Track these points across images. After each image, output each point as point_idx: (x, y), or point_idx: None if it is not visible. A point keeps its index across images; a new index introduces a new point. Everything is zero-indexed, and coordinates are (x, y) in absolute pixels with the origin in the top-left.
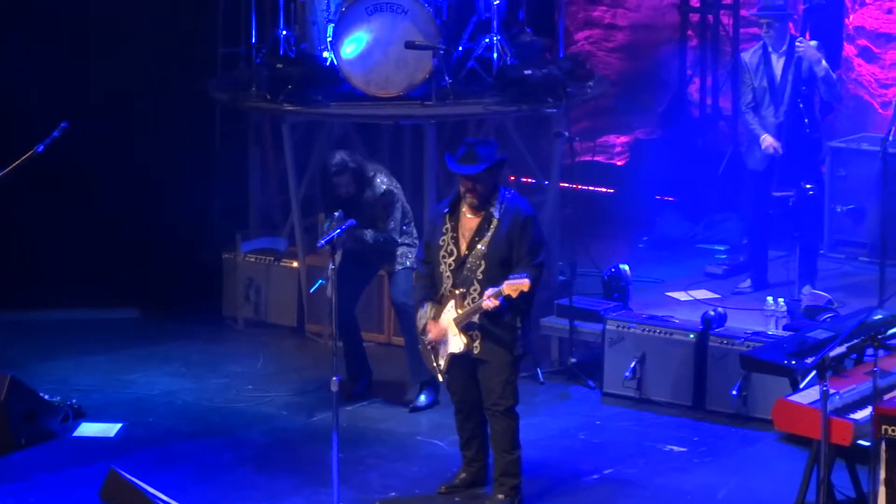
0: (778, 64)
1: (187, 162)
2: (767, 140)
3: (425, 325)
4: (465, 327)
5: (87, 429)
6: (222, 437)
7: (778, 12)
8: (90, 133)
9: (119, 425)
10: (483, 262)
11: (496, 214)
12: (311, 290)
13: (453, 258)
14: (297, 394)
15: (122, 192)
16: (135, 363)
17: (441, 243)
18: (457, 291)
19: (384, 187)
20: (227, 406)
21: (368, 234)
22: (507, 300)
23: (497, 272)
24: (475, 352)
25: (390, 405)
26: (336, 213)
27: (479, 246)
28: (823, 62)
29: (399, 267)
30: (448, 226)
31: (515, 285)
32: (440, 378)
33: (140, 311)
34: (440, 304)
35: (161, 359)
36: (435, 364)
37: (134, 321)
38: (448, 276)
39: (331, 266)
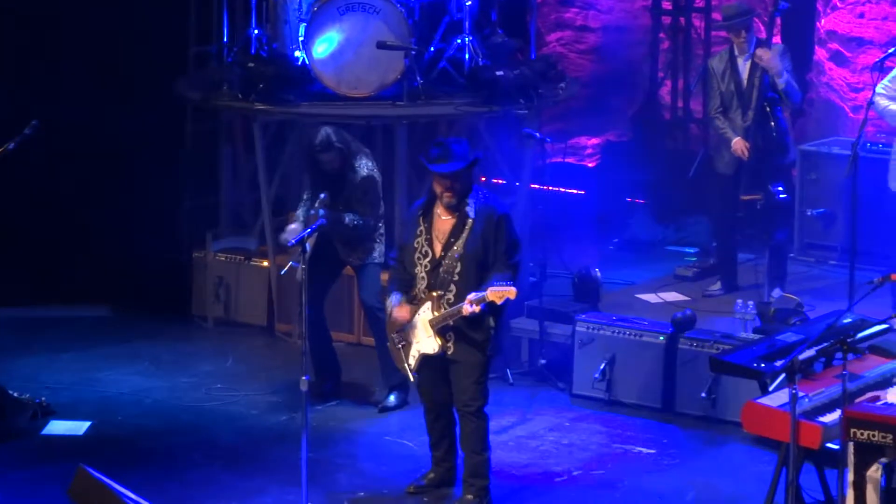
0: (745, 68)
1: (158, 161)
2: (738, 143)
3: (392, 312)
4: (440, 329)
5: (57, 426)
6: (191, 436)
7: (738, 20)
8: (62, 131)
9: (88, 423)
10: (459, 264)
11: (471, 215)
12: (282, 273)
13: (428, 259)
14: (266, 393)
15: (92, 191)
16: (104, 361)
17: (415, 245)
18: (433, 293)
19: (366, 172)
20: (196, 405)
21: (347, 218)
22: (489, 306)
23: (474, 273)
24: (448, 352)
25: (360, 405)
26: (322, 196)
27: (454, 247)
28: (784, 74)
29: (368, 261)
30: (422, 227)
31: (501, 292)
32: (410, 378)
33: (110, 309)
34: (415, 304)
35: (131, 357)
36: (405, 364)
37: (104, 319)
38: (423, 278)
39: (300, 266)
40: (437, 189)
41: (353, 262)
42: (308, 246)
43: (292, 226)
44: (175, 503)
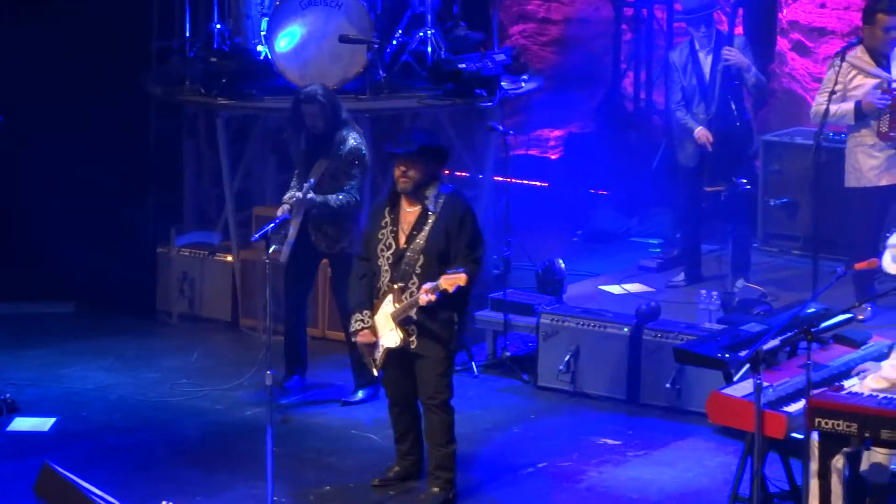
0: (706, 61)
1: (121, 156)
2: (701, 132)
3: (358, 332)
4: (402, 322)
5: (21, 423)
6: (157, 432)
7: (698, 14)
8: (24, 126)
9: (53, 420)
10: (422, 257)
11: (434, 209)
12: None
13: (391, 251)
14: (231, 388)
15: (56, 186)
16: (69, 358)
17: (380, 237)
18: (395, 286)
19: (354, 143)
20: (161, 400)
21: (332, 199)
22: (443, 295)
23: (436, 267)
24: (412, 346)
25: (325, 399)
26: (307, 183)
27: (417, 240)
28: (753, 69)
29: (341, 250)
30: (387, 219)
31: (452, 279)
32: (375, 372)
33: (75, 305)
34: (378, 298)
35: (96, 353)
36: (371, 358)
37: (69, 316)
38: (386, 270)
39: (281, 248)
40: (395, 174)
41: (326, 251)
42: (273, 226)
43: (285, 206)
44: (141, 499)
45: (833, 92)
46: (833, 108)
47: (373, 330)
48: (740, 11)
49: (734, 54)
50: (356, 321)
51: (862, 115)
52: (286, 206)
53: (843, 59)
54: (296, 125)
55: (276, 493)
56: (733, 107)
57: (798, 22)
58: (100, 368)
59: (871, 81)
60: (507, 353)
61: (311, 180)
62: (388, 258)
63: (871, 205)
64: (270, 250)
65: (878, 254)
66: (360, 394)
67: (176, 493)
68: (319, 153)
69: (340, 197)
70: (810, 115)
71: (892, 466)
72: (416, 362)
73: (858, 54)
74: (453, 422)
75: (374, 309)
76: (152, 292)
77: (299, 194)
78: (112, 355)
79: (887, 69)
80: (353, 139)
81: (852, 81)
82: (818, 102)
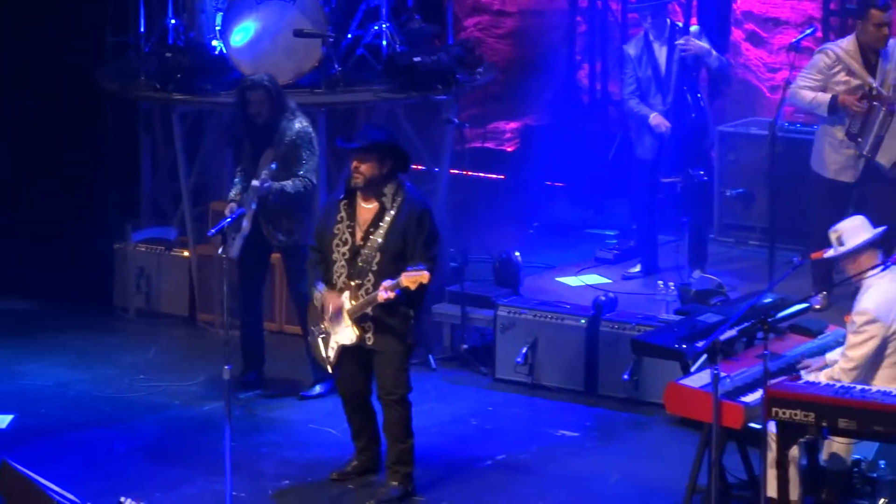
0: (661, 52)
1: (77, 152)
2: (656, 118)
3: (323, 299)
4: (358, 319)
5: None
6: (115, 428)
7: (652, 4)
8: None
9: (11, 416)
10: (379, 255)
11: (391, 207)
12: (220, 252)
13: (347, 247)
14: (189, 383)
15: (11, 183)
16: (27, 354)
17: (336, 232)
18: (352, 283)
19: (301, 126)
20: (119, 396)
21: (289, 186)
22: (403, 292)
23: (392, 265)
24: (368, 343)
25: (283, 393)
26: (266, 170)
27: (374, 237)
28: (713, 52)
29: (293, 242)
30: (343, 214)
31: (415, 277)
32: (329, 369)
33: (32, 302)
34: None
35: (53, 350)
36: (324, 355)
37: (26, 312)
38: (342, 266)
39: (221, 253)
40: (352, 168)
41: (278, 244)
42: (230, 221)
43: (232, 205)
44: (99, 495)
45: (815, 80)
46: (810, 94)
47: (332, 293)
48: (694, 2)
49: (690, 43)
50: (317, 298)
51: (835, 111)
52: (233, 205)
53: (798, 47)
54: (241, 117)
55: (234, 487)
56: (689, 98)
57: (752, 12)
58: (57, 365)
59: (855, 81)
60: (465, 346)
61: (273, 164)
62: (343, 254)
63: (831, 196)
64: (220, 251)
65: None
66: (318, 388)
67: (134, 489)
68: (265, 144)
69: (297, 182)
70: (789, 94)
71: (851, 456)
72: (374, 358)
73: (850, 49)
74: (411, 416)
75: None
76: (109, 288)
77: (256, 183)
78: (70, 352)
79: (876, 65)
80: (299, 123)
81: (836, 76)
82: (797, 86)
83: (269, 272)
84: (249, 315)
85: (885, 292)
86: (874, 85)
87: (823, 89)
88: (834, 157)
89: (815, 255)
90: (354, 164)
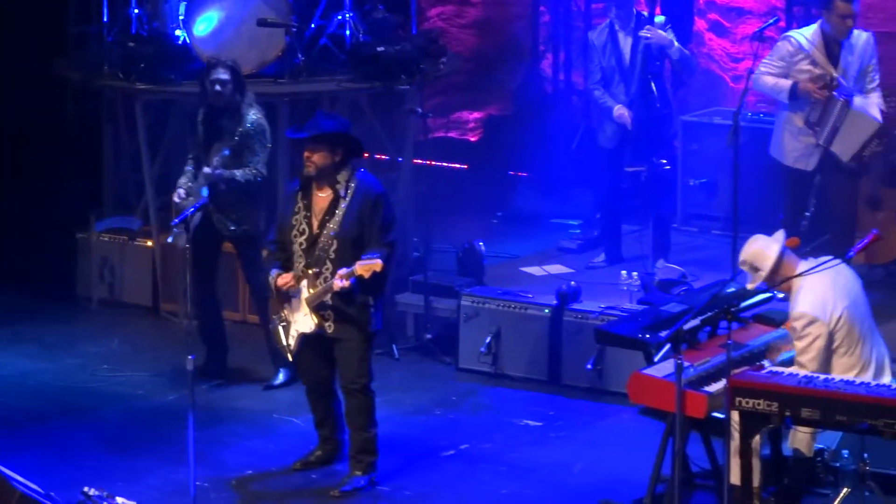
0: (626, 42)
1: (40, 141)
2: (620, 110)
3: (275, 282)
4: (316, 307)
5: None
6: (78, 418)
7: None
8: None
9: None
10: (335, 242)
11: (345, 194)
12: (169, 240)
13: (305, 237)
14: (152, 373)
15: None
16: None
17: (294, 222)
18: (310, 271)
19: (255, 117)
20: (82, 386)
21: (239, 174)
22: (358, 280)
23: (350, 251)
24: (328, 331)
25: (246, 383)
26: (217, 157)
27: (329, 225)
28: (676, 44)
29: (244, 231)
30: (300, 204)
31: (368, 266)
32: (289, 357)
33: None
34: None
35: (15, 339)
36: (284, 343)
37: None
38: (301, 256)
39: (184, 233)
40: (304, 158)
41: (229, 233)
42: (192, 211)
43: (180, 191)
44: (62, 485)
45: (777, 66)
46: (772, 80)
47: (291, 275)
48: None
49: (653, 32)
50: (271, 279)
51: (796, 97)
52: (181, 192)
53: (761, 36)
54: (203, 98)
55: (197, 477)
56: (653, 87)
57: (715, 2)
58: (19, 355)
59: (817, 71)
60: (428, 336)
61: (226, 151)
62: (301, 244)
63: (791, 184)
64: (169, 239)
65: (798, 233)
66: (281, 375)
67: (97, 479)
68: (221, 129)
69: (247, 172)
70: (751, 80)
71: (815, 445)
72: (335, 347)
73: (813, 39)
74: (374, 405)
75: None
76: (72, 278)
77: (208, 170)
78: (32, 341)
79: (839, 56)
80: (253, 114)
81: (798, 64)
82: (760, 72)
83: (220, 260)
84: (204, 304)
85: (816, 291)
86: (836, 76)
87: (786, 76)
88: (793, 145)
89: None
90: (306, 153)
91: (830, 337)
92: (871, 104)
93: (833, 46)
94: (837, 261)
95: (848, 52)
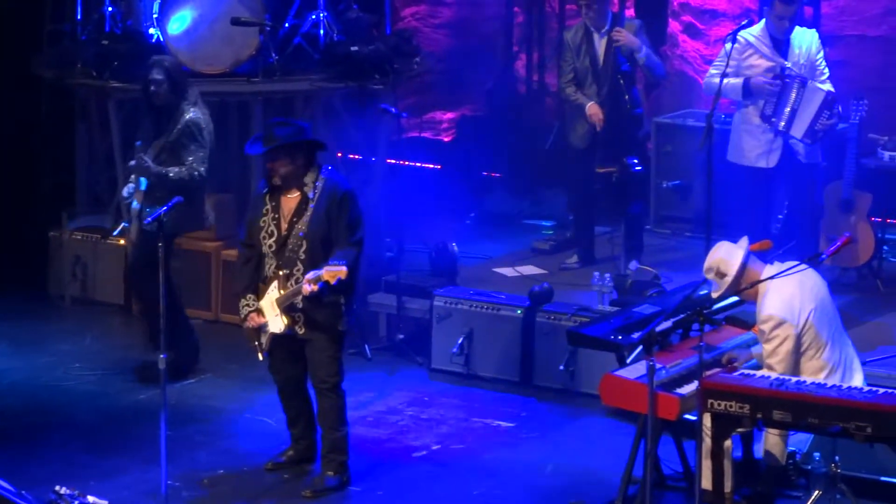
0: (600, 43)
1: (12, 139)
2: (593, 108)
3: (247, 316)
4: (287, 308)
5: None
6: (50, 416)
7: None
8: None
9: None
10: (305, 243)
11: (312, 194)
12: (115, 234)
13: (274, 239)
14: (124, 372)
15: None
16: None
17: (262, 224)
18: (280, 272)
19: (192, 115)
20: (54, 384)
21: (172, 171)
22: (326, 285)
23: (320, 251)
24: (299, 332)
25: (219, 382)
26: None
27: (298, 226)
28: (644, 49)
29: (173, 229)
30: (268, 206)
31: (333, 272)
32: (260, 357)
33: None
34: (265, 283)
35: None
36: (256, 343)
37: None
38: (271, 257)
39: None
40: (268, 170)
41: (146, 226)
42: (135, 203)
43: (129, 186)
44: (34, 483)
45: (727, 66)
46: (724, 80)
47: (259, 312)
48: None
49: (623, 35)
50: (243, 306)
51: (749, 94)
52: (131, 185)
53: (734, 38)
54: (142, 120)
55: (169, 476)
56: (624, 88)
57: (689, 4)
58: None
59: (767, 63)
60: (401, 336)
61: (163, 148)
62: (270, 245)
63: (756, 185)
64: (119, 228)
65: (769, 235)
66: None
67: (69, 478)
68: (158, 131)
69: (181, 170)
70: (703, 84)
71: (786, 448)
72: (306, 346)
73: (760, 34)
74: (345, 405)
75: (259, 293)
76: (45, 276)
77: (132, 162)
78: (4, 340)
79: (787, 49)
80: (191, 112)
81: (748, 59)
82: (710, 74)
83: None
84: (155, 303)
85: (782, 293)
86: (787, 65)
87: (737, 75)
88: (752, 143)
89: (751, 248)
90: (269, 165)
91: (798, 339)
92: (822, 84)
93: (779, 42)
94: (804, 266)
95: (795, 46)
